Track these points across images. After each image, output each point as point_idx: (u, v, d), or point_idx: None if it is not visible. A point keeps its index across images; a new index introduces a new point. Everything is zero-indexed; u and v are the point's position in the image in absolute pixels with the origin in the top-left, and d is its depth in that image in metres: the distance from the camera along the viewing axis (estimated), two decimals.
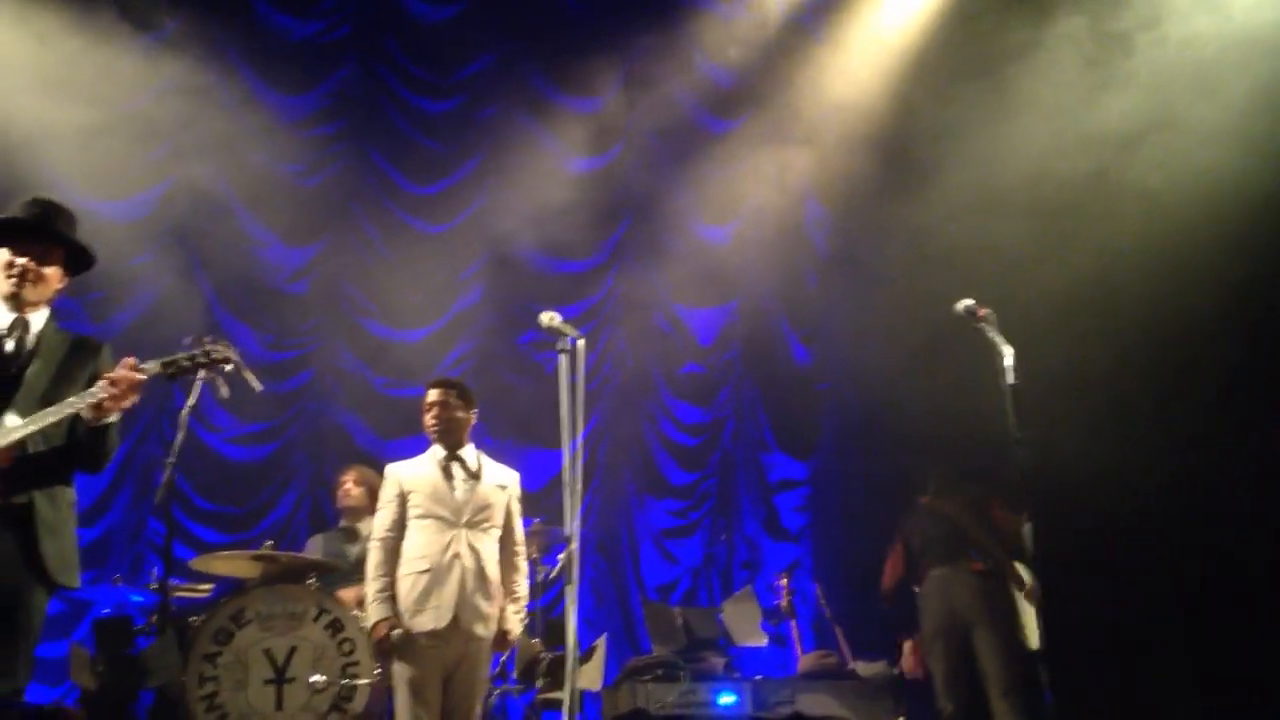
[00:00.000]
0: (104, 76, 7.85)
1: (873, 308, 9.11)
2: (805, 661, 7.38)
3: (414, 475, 5.40)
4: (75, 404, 3.77)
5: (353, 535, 7.10)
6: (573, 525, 4.72)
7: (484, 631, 5.22)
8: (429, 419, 5.50)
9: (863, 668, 7.19)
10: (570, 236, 9.49)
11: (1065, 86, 7.90)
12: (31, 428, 3.72)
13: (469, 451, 5.54)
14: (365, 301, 9.23)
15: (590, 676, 6.74)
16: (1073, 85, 7.90)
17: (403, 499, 5.34)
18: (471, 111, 9.58)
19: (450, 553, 5.19)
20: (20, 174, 7.40)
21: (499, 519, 5.45)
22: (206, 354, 3.99)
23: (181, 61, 8.22)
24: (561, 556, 7.36)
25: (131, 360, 3.83)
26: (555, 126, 9.56)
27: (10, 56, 7.70)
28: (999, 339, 5.08)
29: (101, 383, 3.76)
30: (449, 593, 5.12)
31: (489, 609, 5.25)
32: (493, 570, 5.34)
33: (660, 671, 6.76)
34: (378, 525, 5.39)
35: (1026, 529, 4.98)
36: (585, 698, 6.31)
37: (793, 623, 7.90)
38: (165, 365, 3.92)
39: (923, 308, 7.75)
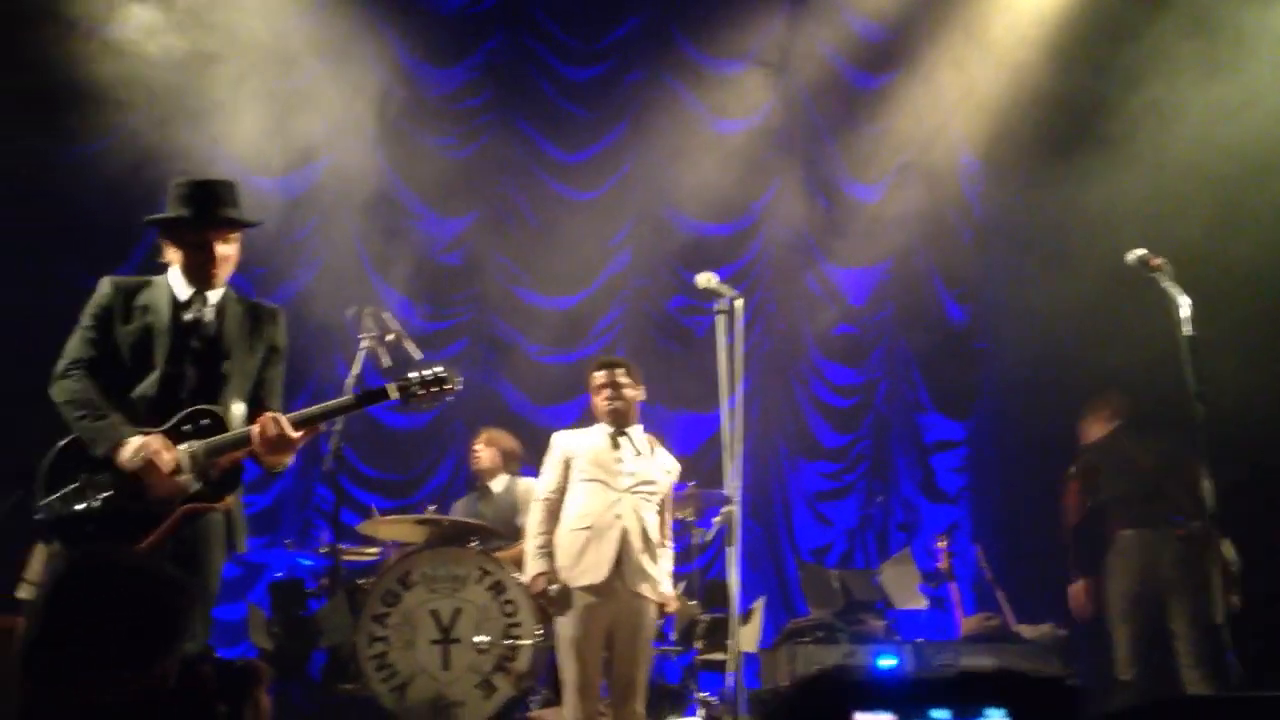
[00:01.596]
0: (263, 54, 8.05)
1: (1033, 264, 8.86)
2: (967, 624, 7.27)
3: (581, 443, 5.43)
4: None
5: (486, 495, 7.19)
6: (733, 485, 4.69)
7: (649, 592, 5.22)
8: (601, 400, 5.48)
9: (1027, 630, 7.04)
10: (719, 199, 9.45)
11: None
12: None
13: (638, 431, 5.53)
14: (517, 270, 9.34)
15: (748, 638, 6.75)
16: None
17: (567, 463, 5.37)
18: (618, 77, 9.59)
19: (613, 513, 5.22)
20: (184, 149, 7.65)
21: (660, 494, 5.46)
22: (429, 379, 4.07)
23: (336, 38, 8.37)
24: (717, 519, 7.39)
25: (273, 416, 3.86)
26: (702, 89, 9.48)
27: (172, 33, 7.95)
28: (1174, 289, 4.88)
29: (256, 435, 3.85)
30: (608, 550, 5.14)
31: (653, 570, 5.25)
32: (655, 535, 5.35)
33: (819, 634, 6.72)
34: (541, 486, 5.43)
35: (1207, 487, 4.79)
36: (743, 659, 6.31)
37: (953, 585, 7.77)
38: (400, 391, 4.03)
39: (1087, 263, 7.51)
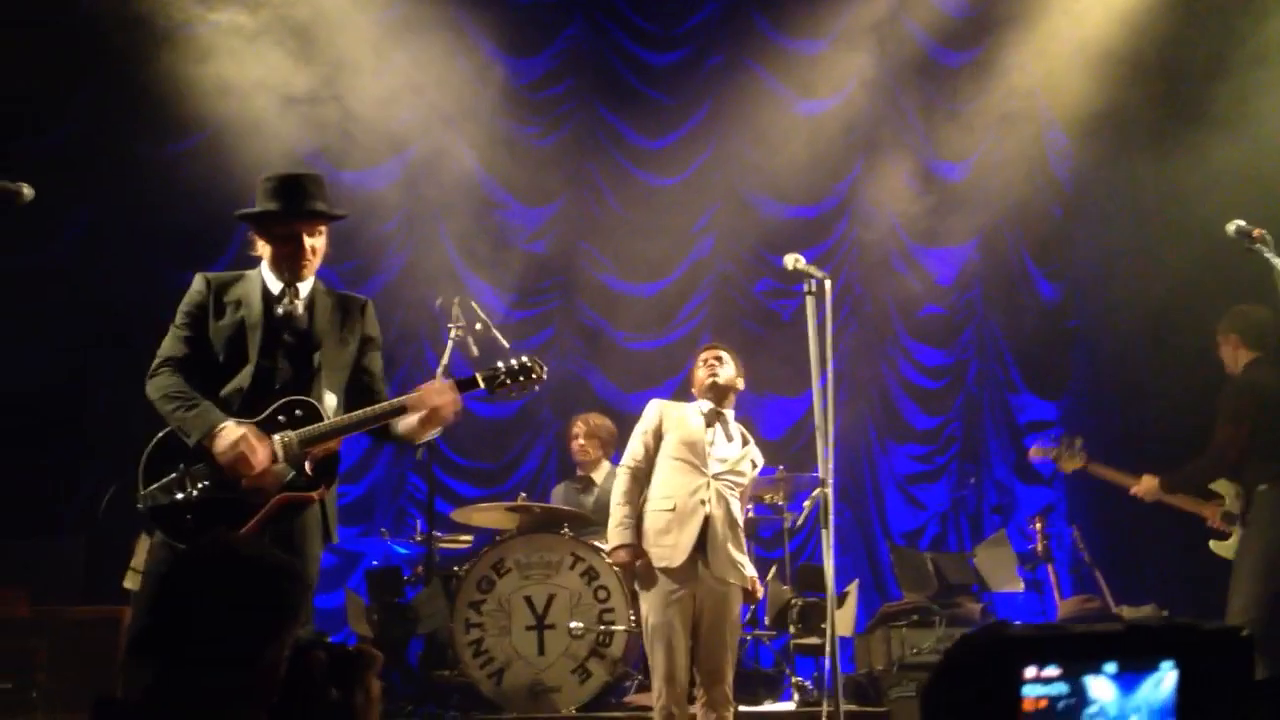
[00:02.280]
0: (348, 49, 8.14)
1: (1126, 239, 8.68)
2: (1065, 607, 7.16)
3: (677, 416, 5.36)
4: (392, 411, 3.98)
5: (588, 485, 7.22)
6: (826, 467, 4.65)
7: (734, 578, 5.15)
8: (704, 371, 5.40)
9: (1128, 612, 6.92)
10: (802, 181, 9.38)
11: None
12: (349, 426, 3.94)
13: (732, 416, 5.46)
14: (602, 257, 9.36)
15: (843, 622, 6.71)
16: None
17: (659, 434, 5.30)
18: (698, 61, 9.55)
19: (697, 497, 5.14)
20: (272, 145, 7.78)
21: (743, 486, 5.40)
22: (516, 369, 4.12)
23: (419, 31, 8.43)
24: (807, 503, 7.36)
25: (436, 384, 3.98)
26: (782, 71, 9.41)
27: (257, 31, 8.07)
28: (1276, 260, 4.73)
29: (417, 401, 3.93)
30: (689, 534, 5.06)
31: (738, 555, 5.18)
32: (740, 519, 5.29)
33: (915, 617, 6.67)
34: (629, 453, 5.35)
35: None
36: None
37: (1049, 567, 7.67)
38: (487, 381, 4.08)
39: (1183, 236, 7.34)
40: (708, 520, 5.09)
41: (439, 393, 3.93)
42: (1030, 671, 1.56)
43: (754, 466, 5.47)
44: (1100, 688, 1.61)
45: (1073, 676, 1.59)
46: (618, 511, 5.22)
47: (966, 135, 9.46)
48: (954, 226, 9.53)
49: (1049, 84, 9.19)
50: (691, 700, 5.14)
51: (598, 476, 7.15)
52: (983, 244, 9.60)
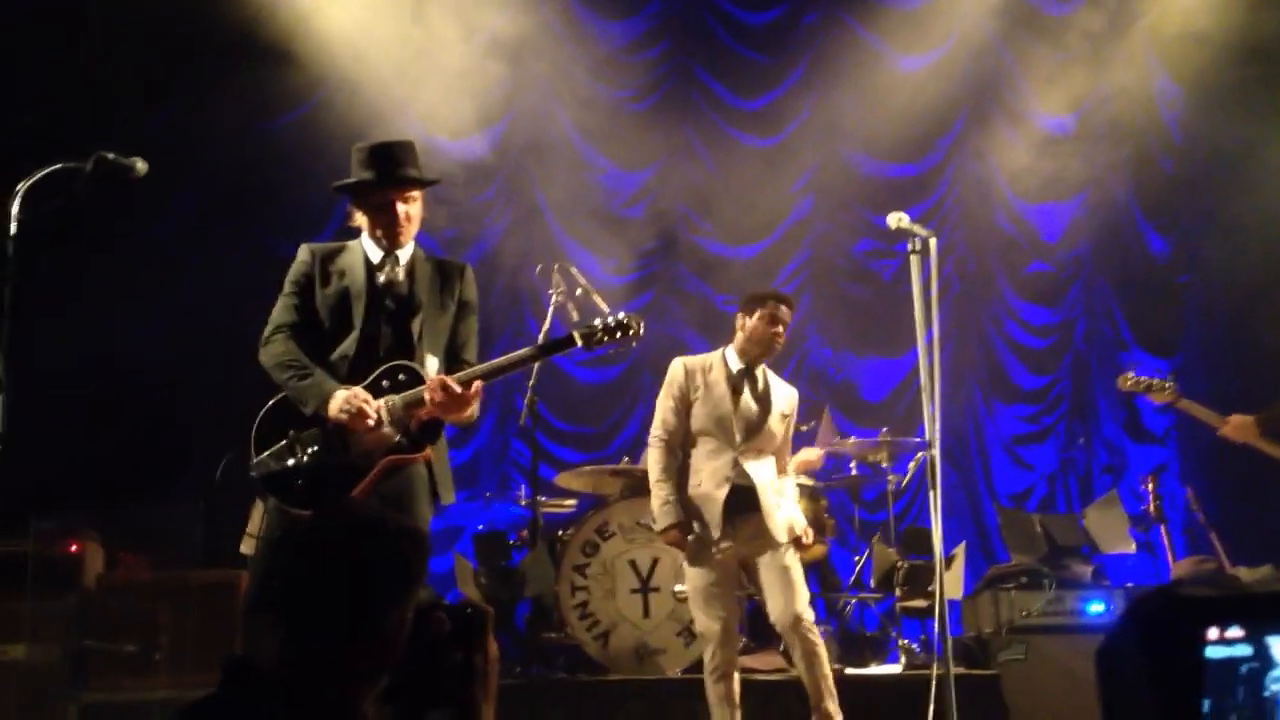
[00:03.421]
0: (441, 19, 8.18)
1: (1239, 191, 8.41)
2: (1180, 568, 6.98)
3: (703, 381, 5.16)
4: (500, 368, 3.99)
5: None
6: (933, 429, 4.57)
7: (779, 537, 5.00)
8: (767, 328, 5.16)
9: (1245, 573, 6.72)
10: (902, 138, 9.25)
11: None
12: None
13: (762, 369, 5.29)
14: (699, 220, 9.33)
15: (951, 585, 6.63)
16: None
17: (687, 401, 5.13)
18: (793, 19, 9.43)
19: (721, 474, 5.02)
20: (374, 116, 7.87)
21: (776, 446, 5.24)
22: (613, 326, 4.08)
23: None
24: (911, 465, 7.29)
25: (440, 379, 3.89)
26: (880, 26, 9.25)
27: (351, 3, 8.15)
28: None
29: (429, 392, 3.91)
30: (716, 510, 4.95)
31: (777, 515, 5.04)
32: (775, 483, 5.17)
33: (1024, 579, 6.56)
34: (659, 423, 5.19)
35: None
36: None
37: (1162, 528, 7.48)
38: (584, 338, 4.05)
39: None
40: (734, 492, 5.00)
41: (441, 398, 3.86)
42: (1213, 633, 1.52)
43: (785, 417, 5.25)
44: None
45: (1257, 637, 1.54)
46: (659, 490, 5.06)
47: (1072, 87, 9.21)
48: (1060, 181, 9.34)
49: (1158, 32, 8.92)
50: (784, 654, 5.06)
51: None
52: (1090, 199, 9.39)
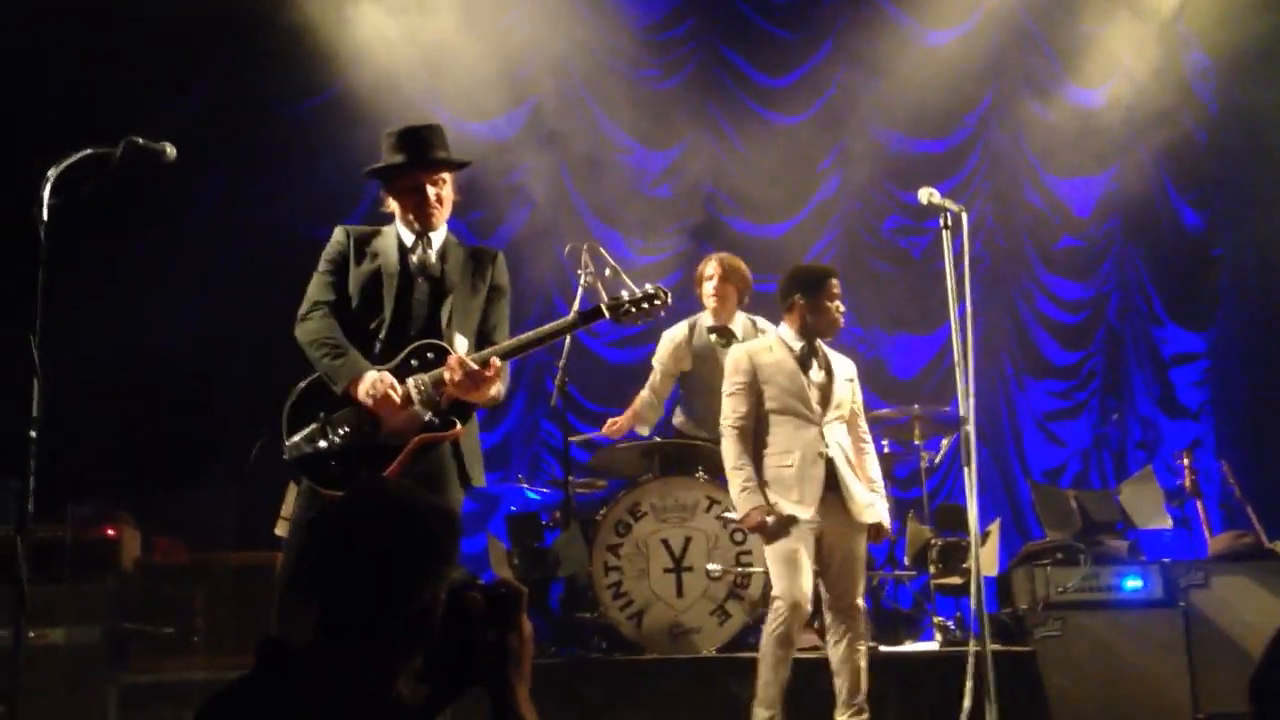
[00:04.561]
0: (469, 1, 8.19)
1: (1274, 163, 8.31)
2: (1217, 543, 6.92)
3: (770, 362, 5.18)
4: (525, 344, 4.00)
5: (729, 337, 6.62)
6: (966, 405, 4.54)
7: (866, 518, 5.06)
8: (836, 309, 5.19)
9: None
10: (931, 113, 9.20)
11: None
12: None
13: (821, 345, 5.30)
14: (728, 199, 9.30)
15: (986, 561, 6.59)
16: None
17: (757, 387, 5.15)
18: None
19: (814, 448, 5.03)
20: (401, 100, 7.87)
21: (847, 411, 5.26)
22: (640, 297, 4.08)
23: None
24: (944, 441, 7.25)
25: (457, 358, 3.91)
26: (906, 1, 9.19)
27: None
28: None
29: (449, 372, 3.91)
30: (814, 487, 4.97)
31: (867, 496, 5.10)
32: (854, 458, 5.20)
33: (1059, 555, 6.51)
34: (730, 411, 5.19)
35: None
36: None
37: (1198, 503, 7.43)
38: (611, 310, 4.06)
39: None
40: (831, 466, 5.02)
41: (459, 377, 3.88)
42: None
43: (850, 381, 5.29)
44: None
45: None
46: (738, 476, 5.09)
47: (1102, 59, 9.13)
48: (1090, 155, 9.28)
49: (1189, 2, 8.80)
50: (819, 632, 5.06)
51: (735, 327, 6.68)
52: (1121, 172, 9.30)
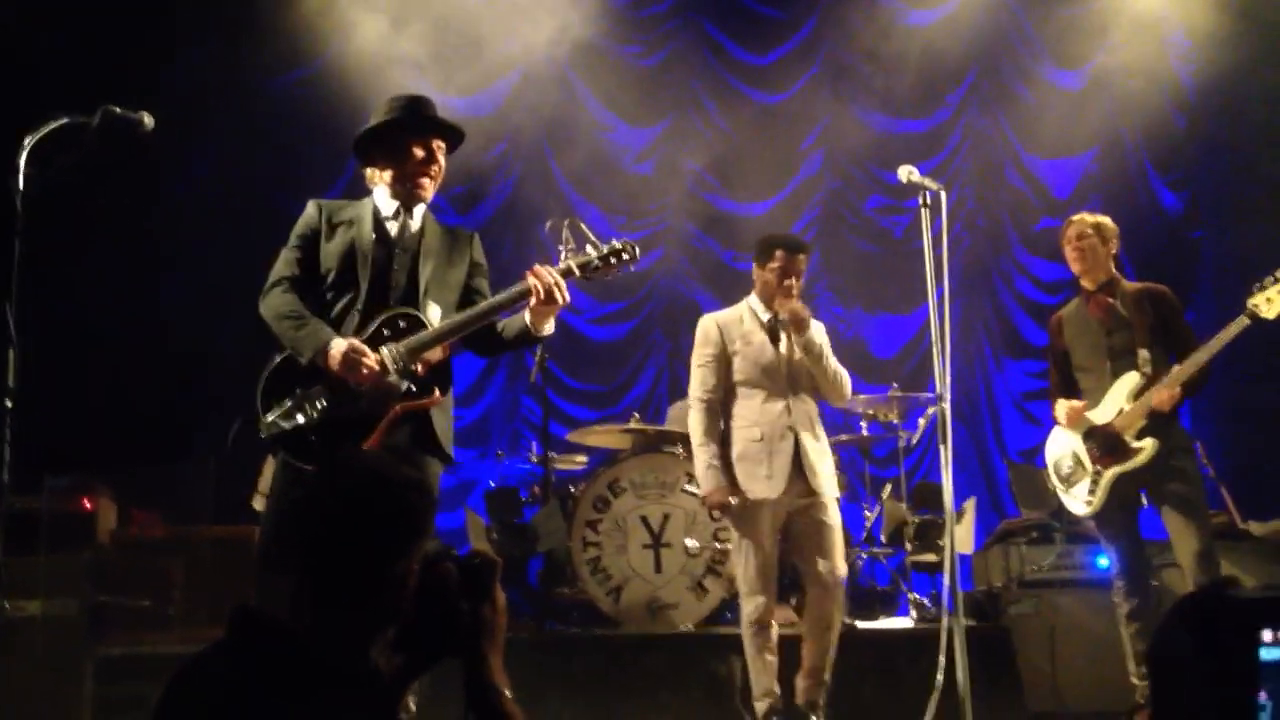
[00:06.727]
0: None
1: (1254, 145, 8.33)
2: None
3: (739, 333, 5.08)
4: (501, 303, 3.97)
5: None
6: (943, 383, 4.55)
7: (830, 492, 4.97)
8: (788, 285, 5.00)
9: (1256, 527, 6.72)
10: (912, 94, 9.22)
11: None
12: (453, 328, 3.95)
13: None
14: (709, 177, 9.30)
15: (961, 540, 6.64)
16: None
17: (726, 358, 5.05)
18: None
19: (782, 422, 4.93)
20: (380, 75, 7.83)
21: (814, 385, 5.11)
22: (607, 253, 4.05)
23: None
24: (921, 420, 7.29)
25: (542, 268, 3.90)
26: None
27: None
28: None
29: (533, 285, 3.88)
30: (783, 463, 4.89)
31: (825, 468, 4.99)
32: (820, 430, 5.08)
33: (1034, 534, 6.56)
34: (698, 384, 5.07)
35: None
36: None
37: None
38: (580, 268, 4.03)
39: None
40: (798, 443, 4.93)
41: (548, 271, 3.90)
42: (1267, 635, 1.52)
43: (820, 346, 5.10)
44: None
45: None
46: (703, 453, 4.98)
47: (1084, 41, 9.15)
48: (1071, 136, 9.29)
49: None
50: (797, 610, 5.03)
51: None
52: (1101, 154, 9.33)
